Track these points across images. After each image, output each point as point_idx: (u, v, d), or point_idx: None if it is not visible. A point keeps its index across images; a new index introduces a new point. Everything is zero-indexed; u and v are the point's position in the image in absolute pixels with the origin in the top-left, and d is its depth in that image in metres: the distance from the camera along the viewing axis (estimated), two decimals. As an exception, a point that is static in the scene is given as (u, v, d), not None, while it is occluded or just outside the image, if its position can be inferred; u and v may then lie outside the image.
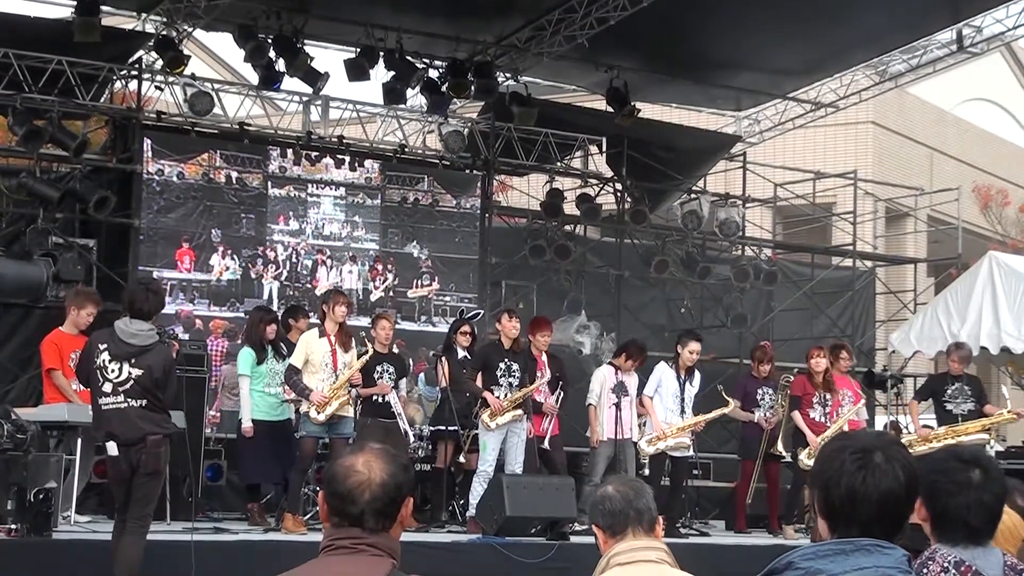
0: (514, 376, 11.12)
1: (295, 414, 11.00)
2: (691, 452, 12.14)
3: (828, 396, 12.33)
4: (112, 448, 7.64)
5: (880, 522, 2.72)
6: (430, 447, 12.18)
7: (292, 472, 10.60)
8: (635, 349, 12.20)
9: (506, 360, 11.17)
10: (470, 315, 12.76)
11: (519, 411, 11.03)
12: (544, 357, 11.53)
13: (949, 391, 12.76)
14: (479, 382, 11.14)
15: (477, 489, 10.92)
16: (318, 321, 11.05)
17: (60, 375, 10.02)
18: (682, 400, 11.83)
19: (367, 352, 10.76)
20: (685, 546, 10.38)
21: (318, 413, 10.29)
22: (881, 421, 18.37)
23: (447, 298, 15.66)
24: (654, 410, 11.76)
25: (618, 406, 11.84)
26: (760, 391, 12.81)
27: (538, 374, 11.31)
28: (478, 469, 11.05)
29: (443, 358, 11.78)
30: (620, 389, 11.90)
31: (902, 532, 2.76)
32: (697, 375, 12.09)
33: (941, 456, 3.40)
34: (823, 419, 12.20)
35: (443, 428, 11.74)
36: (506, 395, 11.03)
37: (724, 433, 15.22)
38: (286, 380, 10.59)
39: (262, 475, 11.25)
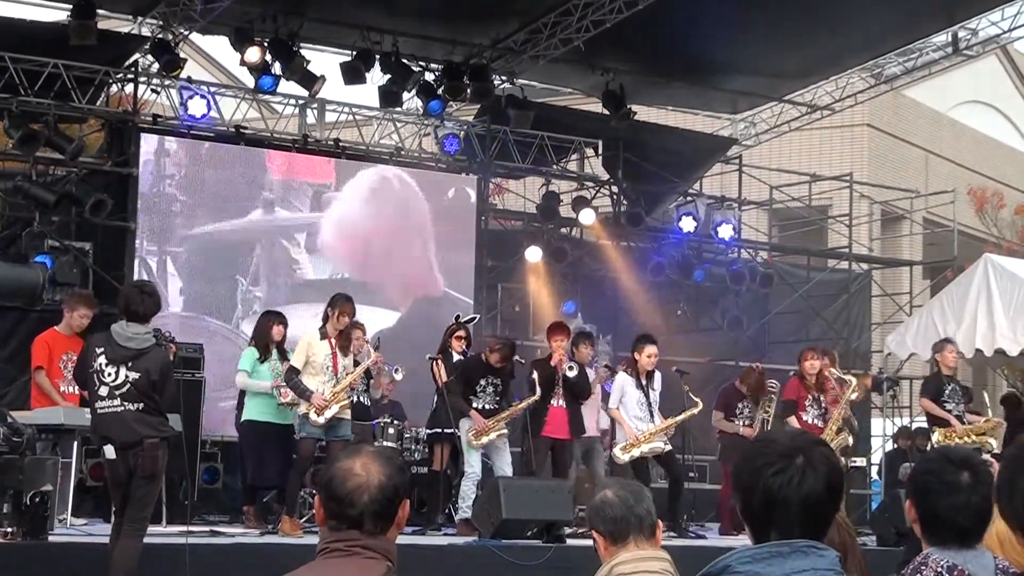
0: (490, 395, 11.36)
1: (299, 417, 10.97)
2: (669, 447, 12.06)
3: (821, 398, 12.34)
4: (109, 451, 7.64)
5: (803, 526, 2.66)
6: (426, 450, 12.21)
7: (291, 473, 10.59)
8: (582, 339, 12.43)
9: (488, 377, 11.40)
10: (466, 319, 12.76)
11: (504, 430, 11.32)
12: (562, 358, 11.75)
13: (947, 391, 12.52)
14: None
15: (467, 492, 11.01)
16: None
17: (43, 375, 10.04)
18: (648, 405, 11.76)
19: (370, 360, 10.89)
20: (682, 548, 10.38)
21: (318, 416, 10.27)
22: (878, 424, 18.39)
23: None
24: (623, 419, 11.75)
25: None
26: (740, 404, 13.02)
27: (531, 394, 11.55)
28: (465, 472, 11.19)
29: (437, 361, 11.79)
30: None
31: (826, 534, 2.69)
32: (657, 376, 11.99)
33: (931, 457, 3.42)
34: (817, 421, 12.20)
35: (439, 431, 11.76)
36: (483, 407, 11.23)
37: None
38: (286, 381, 10.54)
39: (264, 478, 11.25)
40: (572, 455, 12.02)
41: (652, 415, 11.76)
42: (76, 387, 9.99)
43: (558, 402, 11.74)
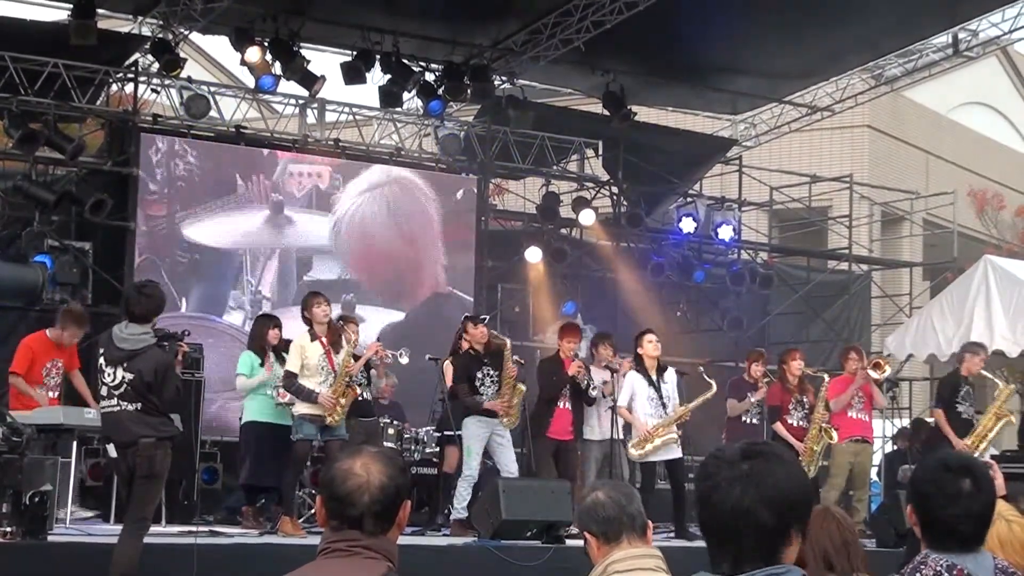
0: (489, 387, 11.22)
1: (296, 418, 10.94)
2: (680, 453, 11.80)
3: (804, 399, 12.22)
4: (112, 451, 7.67)
5: (752, 542, 2.40)
6: (427, 450, 12.18)
7: (285, 475, 10.55)
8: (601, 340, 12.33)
9: (483, 369, 11.25)
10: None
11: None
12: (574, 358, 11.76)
13: (962, 393, 12.36)
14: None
15: (463, 492, 10.97)
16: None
17: (21, 380, 10.01)
18: (660, 399, 11.48)
19: (371, 350, 10.89)
20: (677, 549, 10.38)
21: (330, 418, 10.23)
22: (877, 425, 18.37)
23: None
24: (631, 416, 11.49)
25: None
26: (750, 393, 12.82)
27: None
28: (463, 472, 11.09)
29: (446, 362, 11.74)
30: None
31: (776, 559, 2.42)
32: (671, 371, 11.77)
33: (931, 465, 3.34)
34: (802, 423, 12.11)
35: (449, 432, 11.69)
36: (488, 397, 11.10)
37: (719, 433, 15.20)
38: (287, 388, 10.45)
39: (261, 477, 11.22)
40: (577, 456, 11.89)
41: (665, 408, 11.49)
42: (54, 392, 10.11)
43: (564, 404, 11.66)
